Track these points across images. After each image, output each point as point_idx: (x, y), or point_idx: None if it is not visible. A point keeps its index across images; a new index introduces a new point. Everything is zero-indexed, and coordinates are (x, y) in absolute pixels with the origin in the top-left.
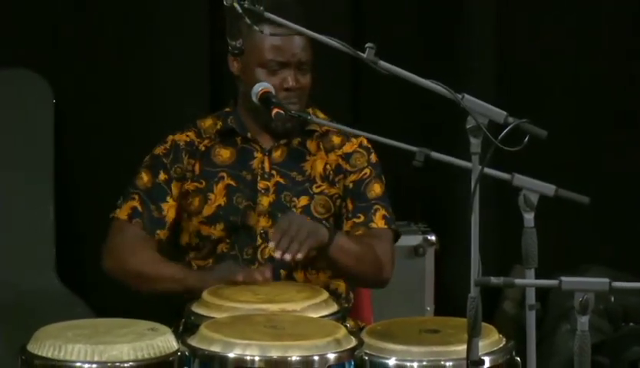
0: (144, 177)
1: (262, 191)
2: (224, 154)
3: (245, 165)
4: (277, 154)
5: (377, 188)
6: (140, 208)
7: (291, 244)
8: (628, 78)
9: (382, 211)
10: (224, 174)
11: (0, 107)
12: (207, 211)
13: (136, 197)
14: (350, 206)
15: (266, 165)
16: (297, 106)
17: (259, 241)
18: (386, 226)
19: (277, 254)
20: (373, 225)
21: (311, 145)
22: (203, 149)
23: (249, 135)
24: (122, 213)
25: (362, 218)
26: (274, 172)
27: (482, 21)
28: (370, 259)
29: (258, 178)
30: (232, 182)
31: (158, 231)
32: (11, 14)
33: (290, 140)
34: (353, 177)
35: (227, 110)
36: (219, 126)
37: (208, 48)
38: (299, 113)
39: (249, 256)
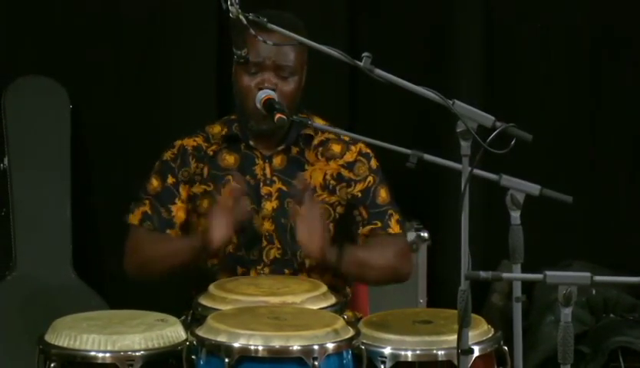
0: (154, 182)
1: (266, 196)
2: (229, 159)
3: (249, 170)
4: (277, 161)
5: (383, 194)
6: (149, 212)
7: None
8: (615, 79)
9: (396, 216)
10: (230, 177)
11: (21, 112)
12: None
13: (147, 202)
14: (365, 214)
15: (267, 171)
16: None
17: (264, 242)
18: (401, 230)
19: None
20: (390, 230)
21: (309, 155)
22: (211, 153)
23: (251, 142)
24: (134, 218)
25: (379, 224)
26: (275, 178)
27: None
28: (380, 264)
29: (261, 184)
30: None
31: (168, 231)
32: (31, 27)
33: (289, 148)
34: (360, 186)
35: (233, 117)
36: (224, 132)
37: (215, 59)
38: (301, 119)
39: (254, 257)
